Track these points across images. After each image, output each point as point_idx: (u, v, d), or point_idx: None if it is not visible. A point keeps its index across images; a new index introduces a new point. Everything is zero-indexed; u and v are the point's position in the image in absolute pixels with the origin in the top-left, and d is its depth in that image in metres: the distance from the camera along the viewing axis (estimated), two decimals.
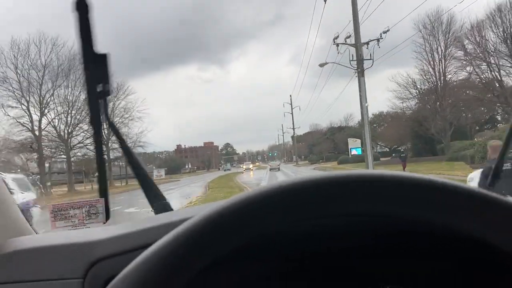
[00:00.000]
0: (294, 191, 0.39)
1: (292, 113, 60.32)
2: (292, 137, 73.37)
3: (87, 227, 0.86)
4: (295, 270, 0.76)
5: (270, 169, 40.65)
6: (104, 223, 0.86)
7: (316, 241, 0.71)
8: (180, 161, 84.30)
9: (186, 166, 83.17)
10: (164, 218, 0.66)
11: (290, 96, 63.52)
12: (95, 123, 0.81)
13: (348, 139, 36.98)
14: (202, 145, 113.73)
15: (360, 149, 35.02)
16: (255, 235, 0.39)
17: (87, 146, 25.65)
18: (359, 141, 34.72)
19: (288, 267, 0.75)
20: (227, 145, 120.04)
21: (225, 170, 60.63)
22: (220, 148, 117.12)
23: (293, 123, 61.30)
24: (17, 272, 0.64)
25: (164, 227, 0.57)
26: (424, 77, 29.82)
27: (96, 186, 0.85)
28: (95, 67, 0.78)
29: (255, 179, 25.21)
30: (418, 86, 30.17)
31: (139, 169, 0.84)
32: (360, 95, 15.61)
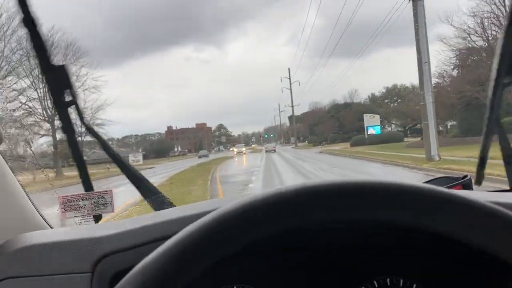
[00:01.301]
0: (295, 199, 0.40)
1: (290, 88, 52.87)
2: (290, 117, 65.02)
3: (97, 215, 0.90)
4: (295, 264, 0.79)
5: (266, 151, 38.11)
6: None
7: (315, 239, 0.74)
8: (169, 144, 76.92)
9: (175, 149, 74.94)
10: (167, 214, 0.69)
11: (289, 69, 55.87)
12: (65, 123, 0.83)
13: (364, 115, 29.91)
14: (194, 126, 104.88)
15: (379, 127, 28.53)
16: (259, 238, 0.40)
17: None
18: (377, 117, 28.05)
19: (289, 261, 0.79)
20: (220, 126, 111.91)
21: (200, 157, 39.32)
22: (213, 129, 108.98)
23: (291, 100, 53.70)
24: (28, 267, 0.66)
25: (169, 223, 0.60)
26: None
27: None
28: (56, 78, 0.81)
29: (245, 172, 16.23)
30: (488, 32, 20.03)
31: (115, 156, 0.85)
32: (418, 40, 8.96)
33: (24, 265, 0.66)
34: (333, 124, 46.26)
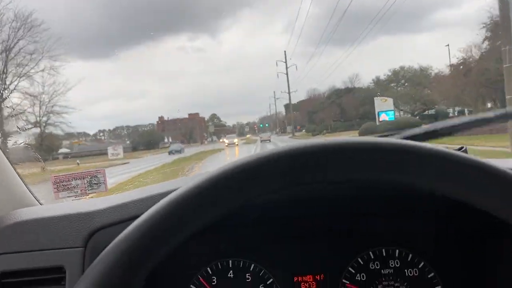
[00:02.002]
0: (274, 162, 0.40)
1: (287, 73, 48.40)
2: (287, 105, 60.37)
3: (90, 197, 0.90)
4: (290, 235, 0.79)
5: (261, 141, 36.35)
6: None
7: (304, 206, 0.74)
8: (159, 135, 72.55)
9: (166, 140, 70.38)
10: (154, 189, 0.71)
11: (285, 52, 51.29)
12: None
13: (375, 98, 25.65)
14: (187, 116, 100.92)
15: (392, 112, 24.52)
16: (244, 203, 0.40)
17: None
18: (390, 101, 23.99)
19: (284, 233, 0.79)
20: (213, 116, 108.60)
21: (170, 153, 29.01)
22: (206, 120, 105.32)
23: (288, 85, 49.32)
24: (21, 242, 0.68)
25: (159, 197, 0.60)
26: None
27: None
28: None
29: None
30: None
31: None
32: None
33: (17, 241, 0.67)
34: (334, 111, 42.12)
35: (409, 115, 32.54)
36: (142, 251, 0.38)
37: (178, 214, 0.39)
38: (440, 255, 0.78)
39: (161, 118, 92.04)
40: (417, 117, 30.87)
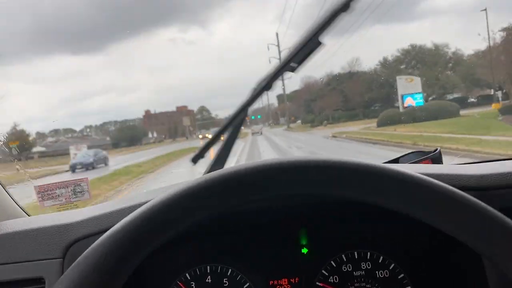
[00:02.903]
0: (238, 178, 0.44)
1: (279, 58, 42.62)
2: (280, 96, 53.65)
3: (74, 205, 0.93)
4: (266, 241, 0.83)
5: (252, 134, 31.75)
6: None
7: (276, 214, 0.78)
8: (142, 130, 65.67)
9: (150, 135, 62.90)
10: (135, 199, 0.73)
11: (277, 34, 44.97)
12: None
13: (398, 78, 19.96)
14: (175, 109, 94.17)
15: (421, 95, 19.24)
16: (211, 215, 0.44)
17: None
18: (418, 81, 18.54)
19: (259, 238, 0.83)
20: (202, 108, 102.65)
21: (73, 171, 10.01)
22: (195, 112, 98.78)
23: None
24: (1, 255, 0.70)
25: (135, 208, 0.62)
26: None
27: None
28: None
29: None
30: None
31: None
32: None
33: None
34: (335, 99, 36.71)
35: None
36: (116, 258, 0.41)
37: (144, 227, 0.42)
38: (409, 257, 0.82)
39: (147, 111, 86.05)
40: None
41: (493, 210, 0.42)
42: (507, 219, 0.42)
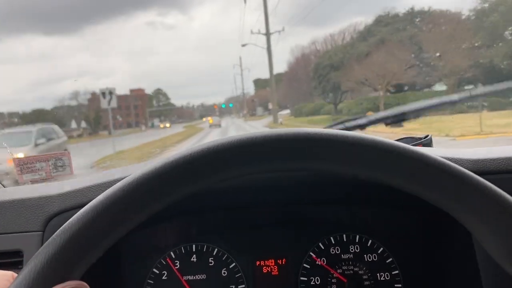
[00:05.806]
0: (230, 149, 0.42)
1: (265, 13, 30.86)
2: (257, 81, 40.31)
3: (55, 179, 0.90)
4: (251, 217, 0.83)
5: (210, 126, 34.30)
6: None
7: (264, 193, 0.78)
8: (59, 119, 45.73)
9: (73, 126, 45.61)
10: (117, 173, 0.73)
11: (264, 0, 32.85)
12: None
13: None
14: (128, 93, 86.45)
15: None
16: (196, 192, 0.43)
17: None
18: None
19: (246, 218, 0.83)
20: (158, 91, 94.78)
21: None
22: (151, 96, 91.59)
23: (268, 36, 30.20)
24: None
25: (115, 182, 0.62)
26: None
27: None
28: None
29: None
30: None
31: None
32: None
33: None
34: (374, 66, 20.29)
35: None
36: (95, 231, 0.40)
37: (127, 199, 0.41)
38: (398, 241, 0.83)
39: (93, 94, 73.55)
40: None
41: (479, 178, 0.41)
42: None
